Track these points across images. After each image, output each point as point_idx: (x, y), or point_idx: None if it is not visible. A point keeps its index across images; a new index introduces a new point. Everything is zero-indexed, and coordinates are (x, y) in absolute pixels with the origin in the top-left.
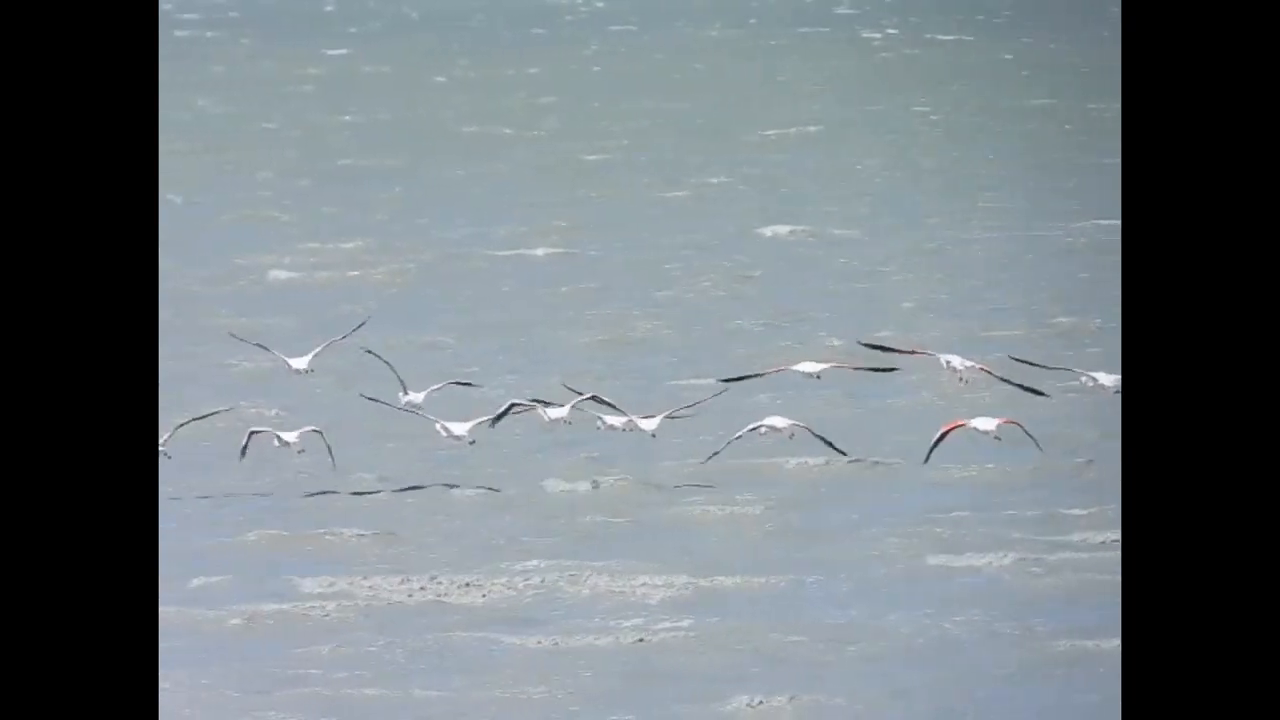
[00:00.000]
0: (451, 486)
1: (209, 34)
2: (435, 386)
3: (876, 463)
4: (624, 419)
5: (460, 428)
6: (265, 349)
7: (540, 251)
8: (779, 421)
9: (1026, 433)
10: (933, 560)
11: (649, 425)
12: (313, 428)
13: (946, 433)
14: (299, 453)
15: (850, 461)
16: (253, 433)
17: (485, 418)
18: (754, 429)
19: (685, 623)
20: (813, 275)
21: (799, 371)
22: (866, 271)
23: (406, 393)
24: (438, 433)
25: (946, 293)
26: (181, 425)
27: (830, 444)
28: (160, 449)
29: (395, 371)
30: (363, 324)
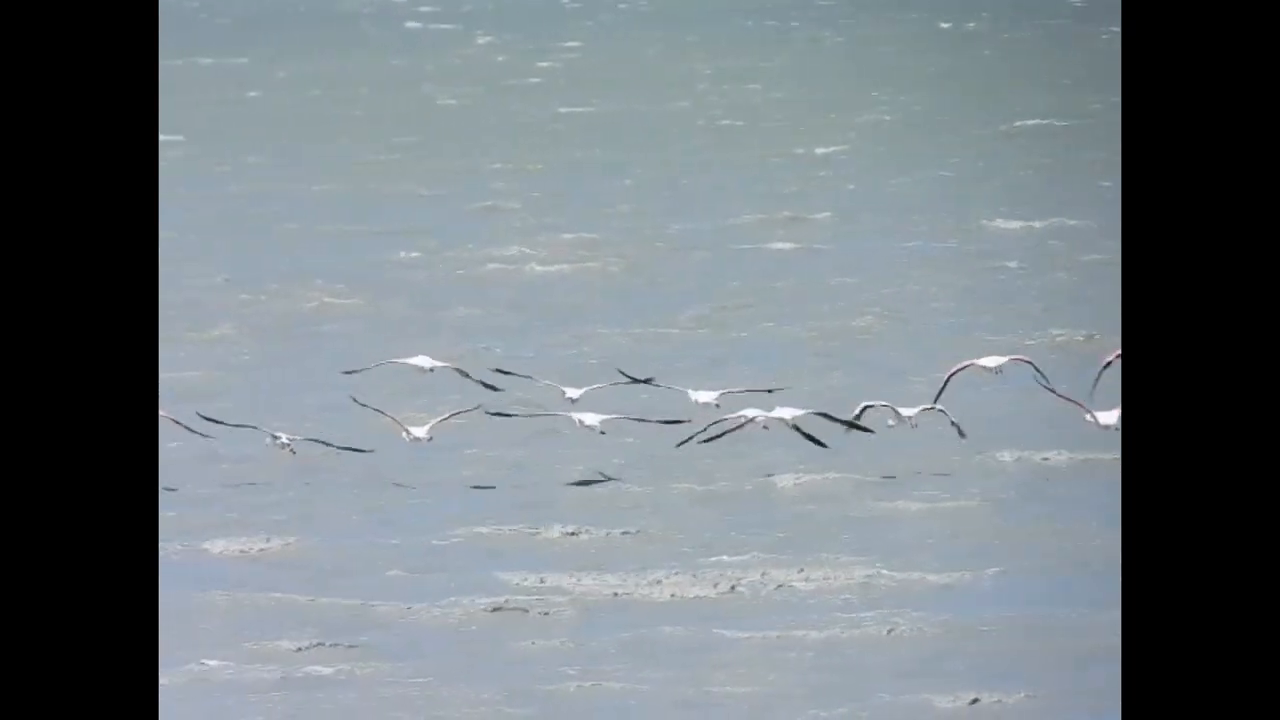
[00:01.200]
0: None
1: (444, 26)
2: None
3: (1086, 460)
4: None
5: (592, 418)
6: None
7: (768, 245)
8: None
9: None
10: None
11: (788, 414)
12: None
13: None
14: (428, 440)
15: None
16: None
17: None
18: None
19: (900, 616)
20: (1040, 268)
21: (981, 366)
22: (1101, 263)
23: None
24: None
25: None
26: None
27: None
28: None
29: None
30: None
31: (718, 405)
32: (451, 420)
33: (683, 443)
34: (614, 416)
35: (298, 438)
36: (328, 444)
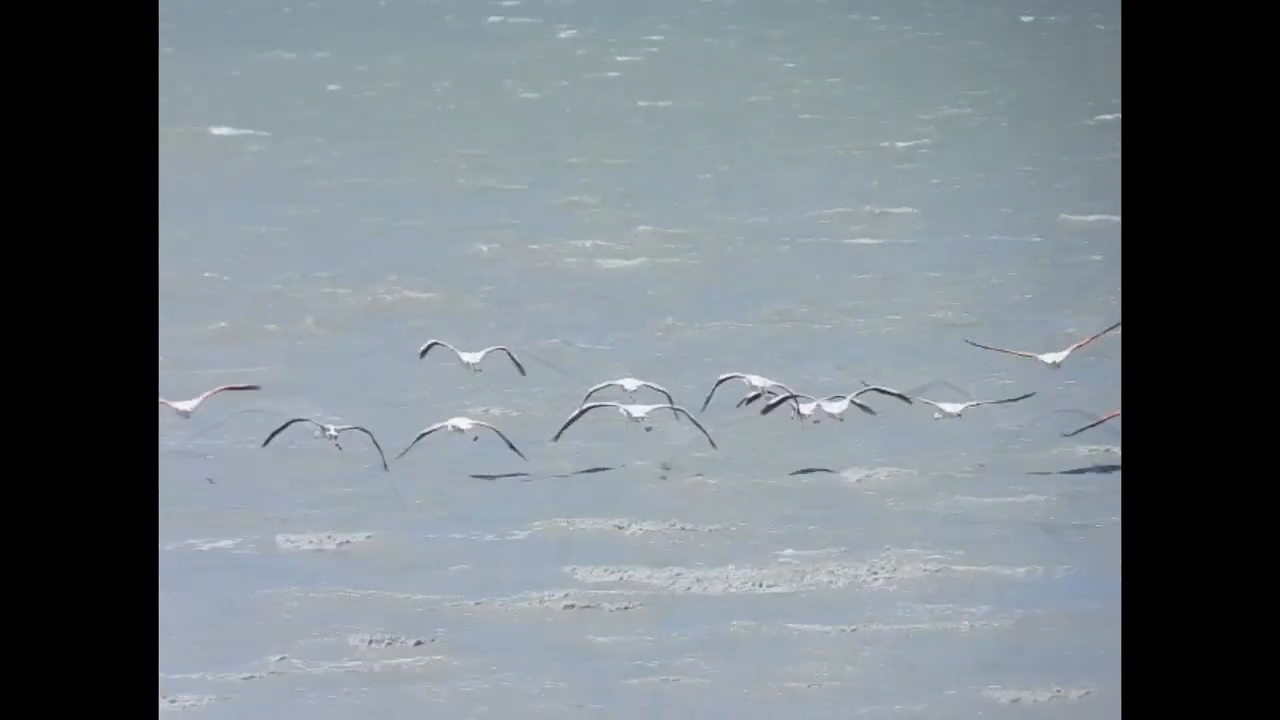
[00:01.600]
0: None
1: (525, 20)
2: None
3: None
4: (812, 405)
5: (639, 410)
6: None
7: (849, 240)
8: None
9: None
10: None
11: (836, 409)
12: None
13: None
14: (474, 439)
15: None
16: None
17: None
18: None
19: (973, 610)
20: (1115, 262)
21: (1044, 361)
22: None
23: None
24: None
25: None
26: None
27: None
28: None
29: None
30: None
31: (770, 394)
32: (510, 413)
33: (740, 404)
34: (658, 407)
35: (346, 427)
36: (376, 448)
